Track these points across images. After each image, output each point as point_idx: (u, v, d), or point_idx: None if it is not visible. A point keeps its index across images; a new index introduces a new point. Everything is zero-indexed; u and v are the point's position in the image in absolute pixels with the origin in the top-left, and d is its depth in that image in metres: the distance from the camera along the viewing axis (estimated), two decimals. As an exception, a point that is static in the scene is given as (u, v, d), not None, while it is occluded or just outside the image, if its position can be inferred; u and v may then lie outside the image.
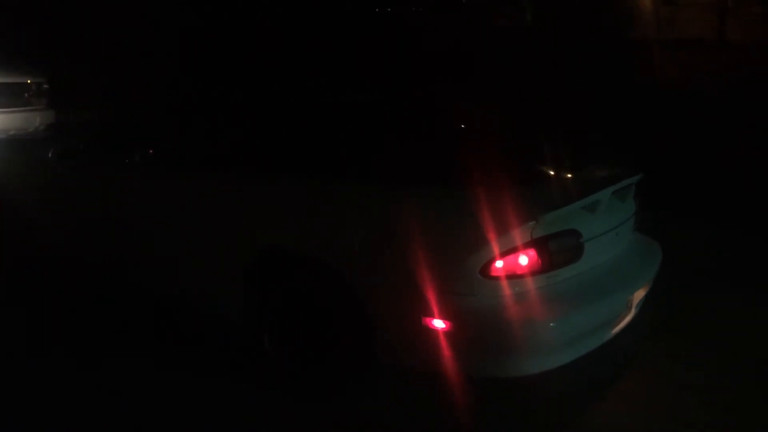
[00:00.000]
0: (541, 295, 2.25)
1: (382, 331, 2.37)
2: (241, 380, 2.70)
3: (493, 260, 2.18)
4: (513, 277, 2.22)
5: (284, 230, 2.59)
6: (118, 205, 3.23)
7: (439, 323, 2.24)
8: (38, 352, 2.98)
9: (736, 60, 7.13)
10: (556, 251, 2.27)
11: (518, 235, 2.19)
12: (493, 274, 2.19)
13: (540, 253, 2.24)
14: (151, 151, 3.19)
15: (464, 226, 2.21)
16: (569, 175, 2.62)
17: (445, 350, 2.25)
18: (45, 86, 7.69)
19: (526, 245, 2.21)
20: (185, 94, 3.69)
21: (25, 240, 3.76)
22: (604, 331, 2.46)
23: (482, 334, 2.20)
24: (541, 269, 2.25)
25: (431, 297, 2.22)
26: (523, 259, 2.22)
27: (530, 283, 2.24)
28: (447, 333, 2.23)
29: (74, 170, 3.42)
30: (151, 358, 2.88)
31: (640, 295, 2.65)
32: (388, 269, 2.30)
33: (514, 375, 2.25)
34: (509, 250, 2.19)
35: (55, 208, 3.54)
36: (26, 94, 7.51)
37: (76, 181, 3.42)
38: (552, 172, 2.65)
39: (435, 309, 2.22)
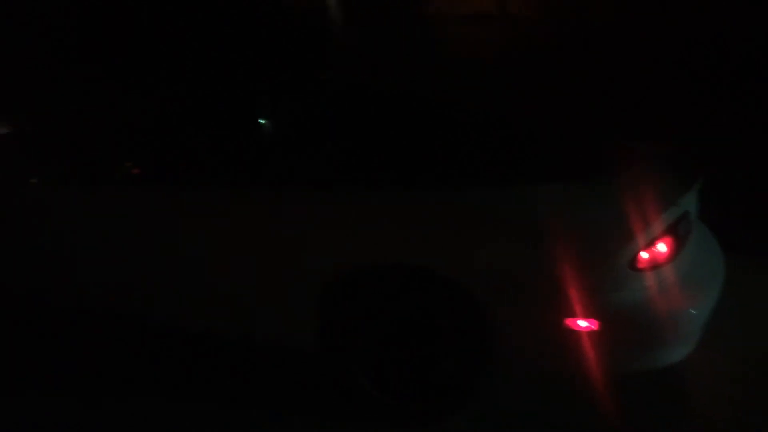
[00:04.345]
0: (676, 282, 2.20)
1: (511, 339, 2.20)
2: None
3: (638, 251, 2.10)
4: (655, 266, 2.14)
5: (399, 243, 2.21)
6: (137, 231, 2.66)
7: (583, 323, 2.12)
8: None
9: (517, 32, 7.41)
10: (683, 234, 2.24)
11: (661, 222, 2.12)
12: (639, 266, 2.11)
13: (674, 238, 2.19)
14: (173, 161, 2.69)
15: (612, 219, 2.10)
16: (678, 156, 2.60)
17: (591, 350, 2.14)
18: None
19: (665, 232, 2.16)
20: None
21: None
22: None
23: (634, 328, 2.11)
24: (673, 255, 2.20)
25: (575, 297, 2.09)
26: (662, 247, 2.16)
27: (668, 271, 2.18)
28: (594, 332, 2.11)
29: (70, 196, 2.79)
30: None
31: None
32: (522, 272, 2.13)
33: (662, 366, 2.19)
34: (652, 239, 2.12)
35: (48, 246, 2.87)
36: None
37: (75, 209, 2.77)
38: (666, 154, 2.61)
39: (580, 309, 2.10)
